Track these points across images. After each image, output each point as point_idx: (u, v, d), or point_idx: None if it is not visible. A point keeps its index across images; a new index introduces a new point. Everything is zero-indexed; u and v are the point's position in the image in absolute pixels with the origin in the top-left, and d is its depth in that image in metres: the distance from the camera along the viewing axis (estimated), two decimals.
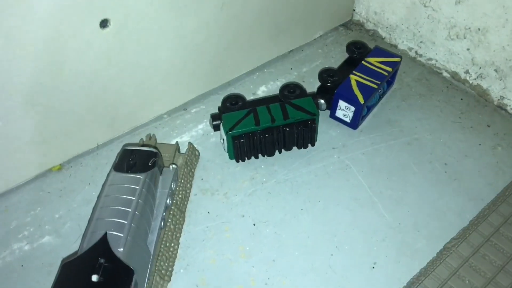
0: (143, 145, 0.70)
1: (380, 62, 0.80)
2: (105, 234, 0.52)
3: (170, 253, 0.61)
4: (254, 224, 0.66)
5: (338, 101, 0.77)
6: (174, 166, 0.66)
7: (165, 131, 0.78)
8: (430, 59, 0.90)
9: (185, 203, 0.68)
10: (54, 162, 0.72)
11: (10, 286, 0.59)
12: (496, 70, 0.81)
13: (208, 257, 0.63)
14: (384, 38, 0.96)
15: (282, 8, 0.83)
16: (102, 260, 0.50)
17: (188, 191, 0.69)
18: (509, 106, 0.81)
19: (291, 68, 0.90)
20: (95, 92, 0.67)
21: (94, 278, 0.48)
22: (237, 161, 0.73)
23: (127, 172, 0.59)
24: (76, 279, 0.49)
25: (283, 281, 0.61)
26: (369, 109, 0.80)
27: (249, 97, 0.83)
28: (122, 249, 0.51)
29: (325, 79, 0.78)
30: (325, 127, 0.79)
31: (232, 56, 0.82)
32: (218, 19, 0.74)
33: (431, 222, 0.67)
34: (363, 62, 0.80)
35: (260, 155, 0.74)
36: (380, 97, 0.82)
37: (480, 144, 0.77)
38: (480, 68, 0.83)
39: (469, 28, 0.81)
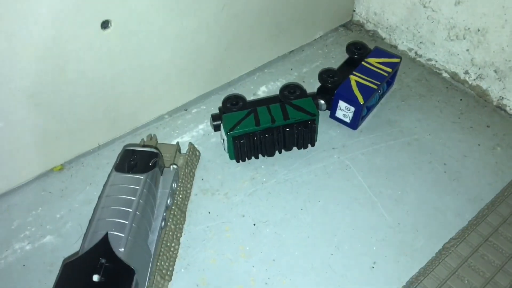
0: (144, 146, 0.70)
1: (380, 63, 0.80)
2: (106, 234, 0.52)
3: (170, 253, 0.61)
4: (254, 224, 0.67)
5: (338, 102, 0.77)
6: (174, 166, 0.66)
7: (166, 131, 0.78)
8: (429, 59, 0.90)
9: (186, 203, 0.68)
10: (56, 162, 0.72)
11: (12, 286, 0.60)
12: (495, 71, 0.81)
13: (209, 257, 0.63)
14: (384, 38, 0.97)
15: (282, 8, 0.83)
16: (103, 260, 0.50)
17: (188, 191, 0.69)
18: (509, 106, 0.82)
19: (292, 69, 0.90)
20: (96, 93, 0.68)
21: (95, 278, 0.48)
22: (238, 161, 0.74)
23: (128, 172, 0.59)
24: (77, 279, 0.50)
25: (283, 281, 0.61)
26: (369, 109, 0.81)
27: (250, 97, 0.83)
28: (123, 249, 0.51)
29: (325, 79, 0.78)
30: (325, 128, 0.79)
31: (233, 56, 0.82)
32: (218, 19, 0.75)
33: (430, 222, 0.67)
34: (363, 62, 0.80)
35: (260, 155, 0.74)
36: (380, 97, 0.83)
37: (479, 145, 0.77)
38: (479, 68, 0.83)
39: (469, 28, 0.81)
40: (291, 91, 0.76)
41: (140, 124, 0.78)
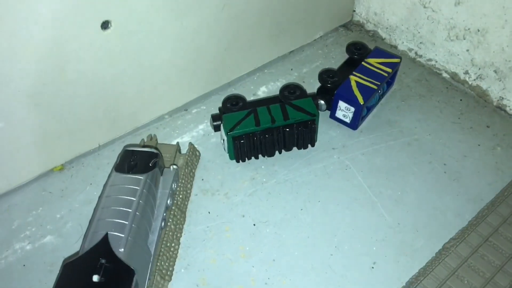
0: (144, 146, 0.70)
1: (380, 63, 0.80)
2: (106, 234, 0.52)
3: (170, 253, 0.61)
4: (254, 224, 0.67)
5: (338, 102, 0.77)
6: (174, 166, 0.66)
7: (166, 131, 0.79)
8: (429, 60, 0.90)
9: (186, 203, 0.68)
10: (56, 162, 0.72)
11: (12, 286, 0.60)
12: (495, 71, 0.81)
13: (209, 257, 0.63)
14: (384, 39, 0.97)
15: (282, 8, 0.83)
16: (103, 261, 0.50)
17: (188, 191, 0.69)
18: (509, 106, 0.82)
19: (292, 69, 0.90)
20: (96, 93, 0.68)
21: (95, 278, 0.48)
22: (238, 162, 0.74)
23: (128, 173, 0.60)
24: (77, 279, 0.50)
25: (283, 281, 0.61)
26: (369, 109, 0.81)
27: (250, 97, 0.83)
28: (123, 249, 0.51)
29: (325, 79, 0.79)
30: (325, 128, 0.79)
31: (233, 56, 0.82)
32: (219, 19, 0.75)
33: (430, 222, 0.67)
34: (363, 63, 0.81)
35: (260, 156, 0.74)
36: (380, 97, 0.83)
37: (479, 145, 0.77)
38: (479, 69, 0.83)
39: (469, 29, 0.81)
40: (291, 91, 0.76)
41: (140, 124, 0.78)
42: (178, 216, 0.65)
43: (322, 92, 0.80)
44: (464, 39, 0.82)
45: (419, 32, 0.89)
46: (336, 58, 0.92)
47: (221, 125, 0.72)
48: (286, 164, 0.74)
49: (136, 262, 0.52)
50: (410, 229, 0.66)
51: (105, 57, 0.65)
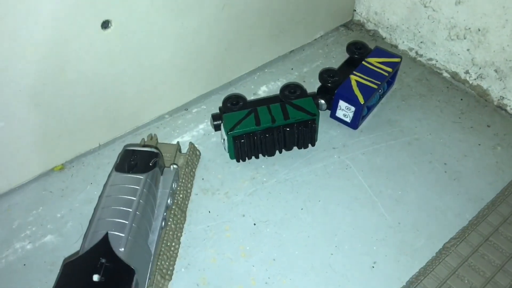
0: (144, 145, 0.70)
1: (380, 63, 0.80)
2: (106, 234, 0.52)
3: (171, 252, 0.61)
4: (254, 224, 0.67)
5: (338, 101, 0.77)
6: (175, 166, 0.66)
7: (167, 131, 0.79)
8: (430, 59, 0.90)
9: (186, 202, 0.68)
10: (56, 162, 0.72)
11: (13, 285, 0.60)
12: (496, 71, 0.81)
13: (209, 256, 0.63)
14: (385, 38, 0.97)
15: (283, 8, 0.83)
16: (103, 260, 0.50)
17: (189, 190, 0.69)
18: (509, 106, 0.82)
19: (292, 68, 0.90)
20: (97, 92, 0.68)
21: (96, 277, 0.48)
22: (238, 161, 0.74)
23: (128, 172, 0.60)
24: (77, 278, 0.50)
25: (283, 280, 0.61)
26: (369, 109, 0.81)
27: (250, 97, 0.83)
28: (123, 249, 0.52)
29: (325, 79, 0.79)
30: (326, 127, 0.79)
31: (233, 56, 0.82)
32: (219, 19, 0.75)
33: (430, 221, 0.67)
34: (363, 62, 0.81)
35: (260, 155, 0.74)
36: (380, 97, 0.83)
37: (480, 144, 0.77)
38: (480, 68, 0.83)
39: (469, 28, 0.81)
40: (292, 90, 0.76)
41: (140, 123, 0.78)
42: (179, 216, 0.65)
43: (322, 91, 0.80)
44: (465, 38, 0.82)
45: (419, 32, 0.89)
46: (337, 58, 0.92)
47: (222, 124, 0.72)
48: (287, 164, 0.74)
49: (137, 262, 0.52)
50: (411, 228, 0.66)
51: (106, 56, 0.65)
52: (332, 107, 0.78)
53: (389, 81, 0.83)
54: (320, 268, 0.62)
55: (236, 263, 0.62)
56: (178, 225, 0.64)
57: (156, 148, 0.68)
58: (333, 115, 0.80)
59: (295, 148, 0.75)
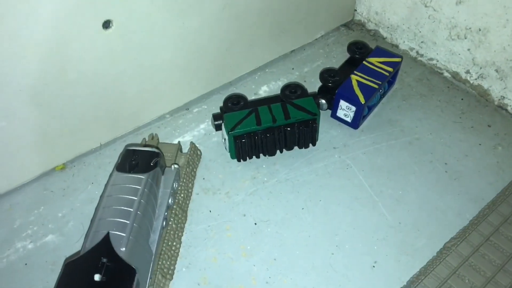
0: (145, 145, 0.70)
1: (381, 62, 0.80)
2: (108, 234, 0.53)
3: (172, 252, 0.62)
4: (255, 223, 0.67)
5: (339, 101, 0.77)
6: (176, 165, 0.66)
7: (167, 130, 0.79)
8: (431, 59, 0.90)
9: (187, 202, 0.68)
10: (58, 162, 0.72)
11: (14, 285, 0.60)
12: (496, 70, 0.81)
13: (210, 256, 0.63)
14: (385, 38, 0.97)
15: (283, 8, 0.83)
16: (104, 260, 0.50)
17: (190, 190, 0.70)
18: (510, 106, 0.82)
19: (293, 68, 0.90)
20: (98, 92, 0.68)
21: (97, 277, 0.49)
22: (239, 161, 0.74)
23: (129, 172, 0.60)
24: (78, 278, 0.50)
25: (284, 280, 0.61)
26: (370, 109, 0.81)
27: (251, 97, 0.83)
28: (124, 248, 0.52)
29: (326, 79, 0.79)
30: (326, 127, 0.79)
31: (234, 56, 0.83)
32: (220, 19, 0.75)
33: (431, 221, 0.67)
34: (364, 62, 0.81)
35: (261, 155, 0.74)
36: (381, 97, 0.83)
37: (480, 144, 0.77)
38: (480, 68, 0.83)
39: (470, 28, 0.81)
40: (292, 90, 0.76)
41: (141, 123, 0.78)
42: (180, 215, 0.65)
43: (323, 91, 0.80)
44: (465, 38, 0.82)
45: (420, 32, 0.89)
46: (337, 58, 0.92)
47: (222, 124, 0.72)
48: (287, 163, 0.74)
49: (138, 261, 0.52)
50: (411, 228, 0.66)
51: (106, 56, 0.65)
52: (333, 107, 0.79)
53: (390, 81, 0.83)
54: (321, 267, 0.62)
55: (237, 262, 0.63)
56: (179, 225, 0.64)
57: (157, 148, 0.68)
58: (333, 115, 0.80)
59: (296, 147, 0.75)
